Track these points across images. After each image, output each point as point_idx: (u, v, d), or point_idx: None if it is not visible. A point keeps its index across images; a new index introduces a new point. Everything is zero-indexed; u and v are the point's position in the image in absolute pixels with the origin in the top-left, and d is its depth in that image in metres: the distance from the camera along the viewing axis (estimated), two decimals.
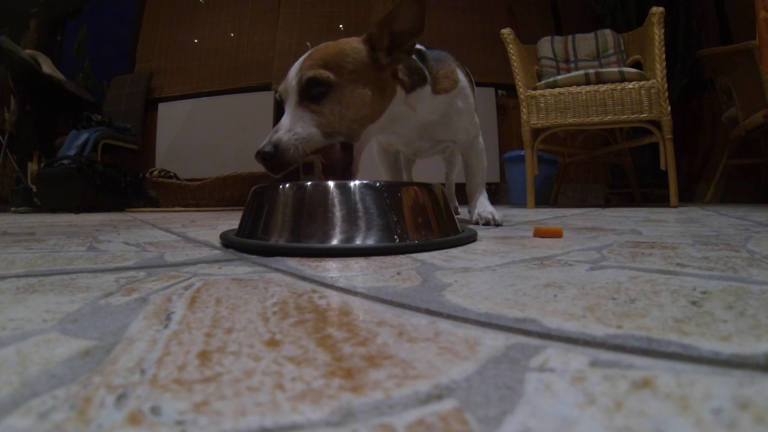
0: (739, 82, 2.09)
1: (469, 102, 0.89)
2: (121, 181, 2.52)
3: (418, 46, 0.85)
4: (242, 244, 0.54)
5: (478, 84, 1.25)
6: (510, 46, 1.86)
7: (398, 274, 0.37)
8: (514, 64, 1.84)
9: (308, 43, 0.82)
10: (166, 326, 0.23)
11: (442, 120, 0.86)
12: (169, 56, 3.46)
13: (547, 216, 1.21)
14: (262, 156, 0.61)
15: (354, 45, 0.68)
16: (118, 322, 0.24)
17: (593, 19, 2.82)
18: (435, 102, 0.81)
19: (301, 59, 0.68)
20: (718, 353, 0.18)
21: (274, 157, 0.61)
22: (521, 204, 2.39)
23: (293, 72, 0.67)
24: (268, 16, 3.33)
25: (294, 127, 0.63)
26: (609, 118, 1.65)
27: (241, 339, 0.21)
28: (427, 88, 0.78)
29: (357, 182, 0.53)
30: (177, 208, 2.36)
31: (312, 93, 0.64)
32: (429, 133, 0.88)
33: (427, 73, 0.79)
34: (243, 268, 0.40)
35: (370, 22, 3.20)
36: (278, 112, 3.19)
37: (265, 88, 3.18)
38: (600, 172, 3.09)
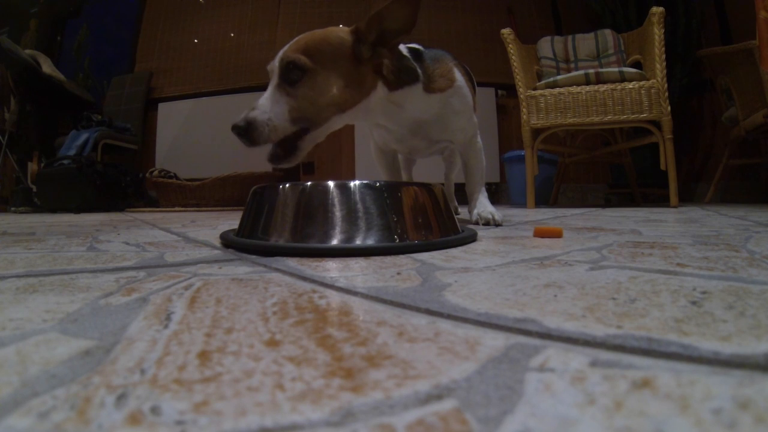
0: (739, 82, 2.09)
1: (465, 102, 0.88)
2: (121, 181, 2.52)
3: (415, 46, 0.84)
4: (242, 244, 0.54)
5: (479, 84, 1.24)
6: (510, 46, 1.86)
7: (398, 274, 0.37)
8: (514, 64, 1.84)
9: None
10: (166, 326, 0.23)
11: (437, 119, 0.85)
12: (169, 56, 3.46)
13: (547, 216, 1.21)
14: (236, 131, 0.66)
15: (339, 34, 0.70)
16: (118, 322, 0.24)
17: (593, 19, 2.82)
18: (428, 101, 0.81)
19: (291, 42, 0.71)
20: (718, 353, 0.18)
21: (246, 134, 0.66)
22: (521, 204, 2.39)
23: (279, 53, 0.70)
24: (268, 16, 3.33)
25: (270, 111, 0.67)
26: (609, 118, 1.65)
27: (241, 339, 0.21)
28: (418, 87, 0.78)
29: (357, 182, 0.53)
30: (177, 208, 2.36)
31: (289, 77, 0.68)
32: (423, 131, 0.87)
33: (420, 72, 0.79)
34: (243, 268, 0.40)
35: None
36: None
37: (265, 88, 3.17)
38: (600, 172, 3.09)
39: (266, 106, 0.68)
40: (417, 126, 0.86)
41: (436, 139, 0.91)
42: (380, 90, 0.74)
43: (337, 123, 0.74)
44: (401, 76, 0.76)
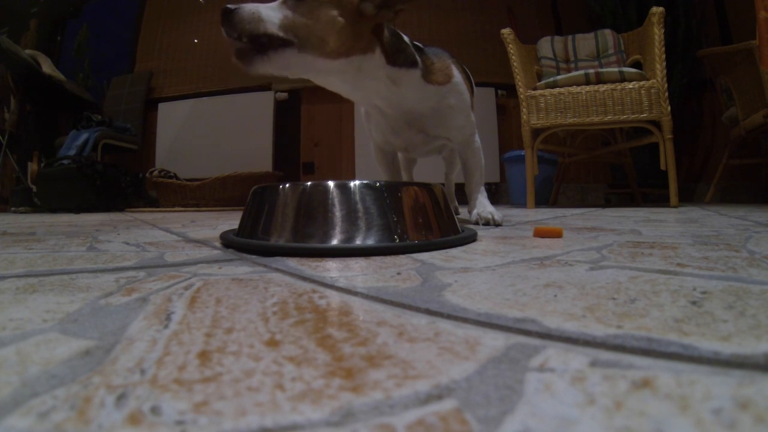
0: (739, 82, 2.09)
1: (463, 99, 0.89)
2: (121, 181, 2.52)
3: (417, 43, 0.85)
4: (242, 244, 0.54)
5: (478, 84, 1.24)
6: (510, 46, 1.86)
7: (398, 274, 0.37)
8: (514, 64, 1.84)
9: None
10: (166, 326, 0.23)
11: (433, 114, 0.86)
12: (169, 56, 3.46)
13: (547, 216, 1.21)
14: (223, 11, 0.66)
15: None
16: (118, 322, 0.24)
17: (593, 19, 2.82)
18: (425, 91, 0.83)
19: None
20: (718, 353, 0.18)
21: (228, 15, 0.66)
22: (521, 204, 2.39)
23: None
24: None
25: (264, 9, 0.67)
26: (609, 118, 1.65)
27: (241, 339, 0.21)
28: (417, 73, 0.80)
29: (357, 182, 0.53)
30: (177, 208, 2.36)
31: None
32: (419, 124, 0.88)
33: (419, 59, 0.81)
34: (243, 268, 0.40)
35: None
36: (278, 113, 3.20)
37: (265, 88, 3.17)
38: (600, 172, 3.09)
39: (262, 6, 0.68)
40: (413, 117, 0.86)
41: (433, 134, 0.91)
42: (378, 57, 0.75)
43: (323, 69, 0.72)
44: (399, 55, 0.78)
